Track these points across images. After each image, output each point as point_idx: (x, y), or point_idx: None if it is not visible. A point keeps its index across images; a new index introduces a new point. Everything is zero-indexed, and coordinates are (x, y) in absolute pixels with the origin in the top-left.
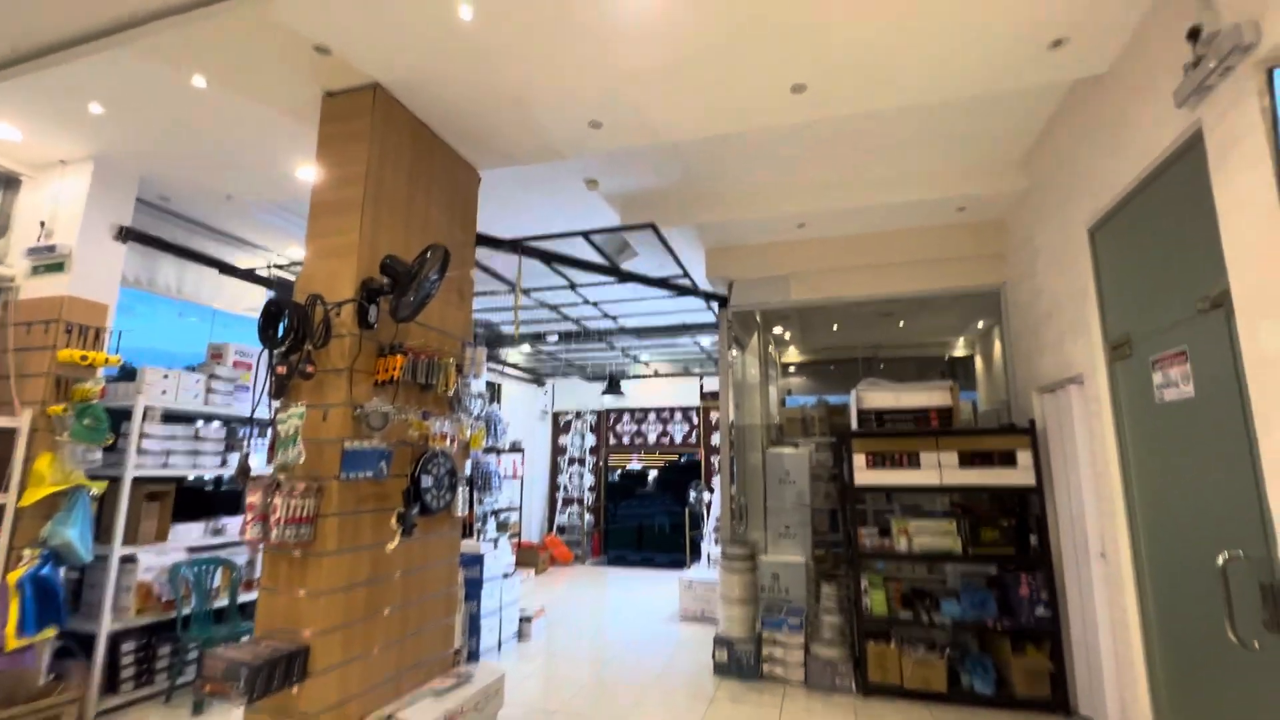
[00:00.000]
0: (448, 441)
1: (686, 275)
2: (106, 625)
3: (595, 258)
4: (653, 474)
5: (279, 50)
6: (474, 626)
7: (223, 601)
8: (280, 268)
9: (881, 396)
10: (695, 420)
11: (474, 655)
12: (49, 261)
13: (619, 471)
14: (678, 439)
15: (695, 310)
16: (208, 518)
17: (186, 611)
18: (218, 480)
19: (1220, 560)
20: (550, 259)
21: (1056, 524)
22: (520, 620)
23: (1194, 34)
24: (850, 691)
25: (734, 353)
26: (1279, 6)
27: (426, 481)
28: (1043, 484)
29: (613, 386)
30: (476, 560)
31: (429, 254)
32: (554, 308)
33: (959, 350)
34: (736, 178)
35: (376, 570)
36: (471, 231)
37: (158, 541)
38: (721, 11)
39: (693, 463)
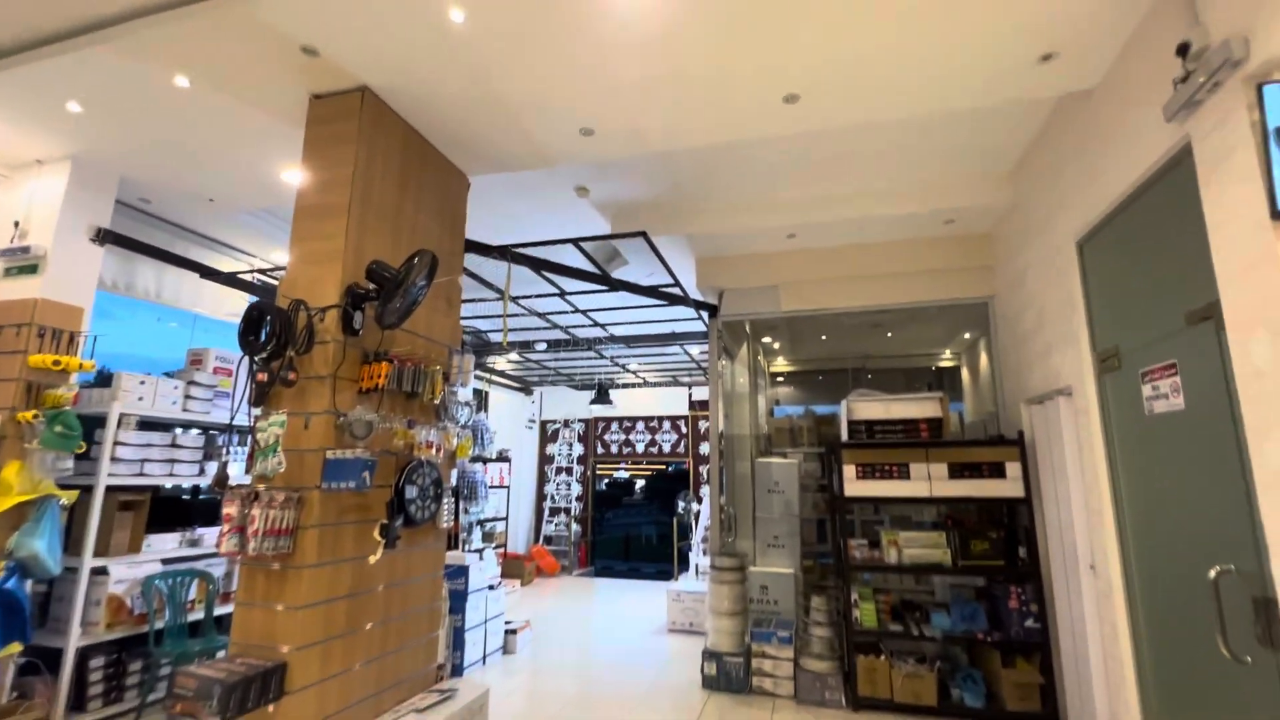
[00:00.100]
0: (433, 450)
1: (677, 284)
2: (74, 640)
3: (586, 265)
4: (640, 483)
5: (265, 51)
6: (458, 640)
7: (198, 615)
8: (264, 273)
9: (872, 407)
10: (684, 429)
11: (458, 670)
12: (22, 263)
13: (606, 481)
14: (666, 448)
15: (684, 319)
16: (184, 528)
17: (160, 625)
18: (195, 489)
19: (1212, 574)
20: (540, 266)
21: (1045, 536)
22: (505, 633)
23: (1183, 49)
24: (840, 705)
25: (723, 362)
26: (1268, 23)
27: (411, 492)
28: (1031, 496)
29: (601, 395)
30: (461, 572)
31: (416, 259)
32: (543, 315)
33: (946, 361)
34: (727, 187)
35: (358, 584)
36: (460, 238)
37: (131, 553)
38: (714, 21)
39: (681, 472)
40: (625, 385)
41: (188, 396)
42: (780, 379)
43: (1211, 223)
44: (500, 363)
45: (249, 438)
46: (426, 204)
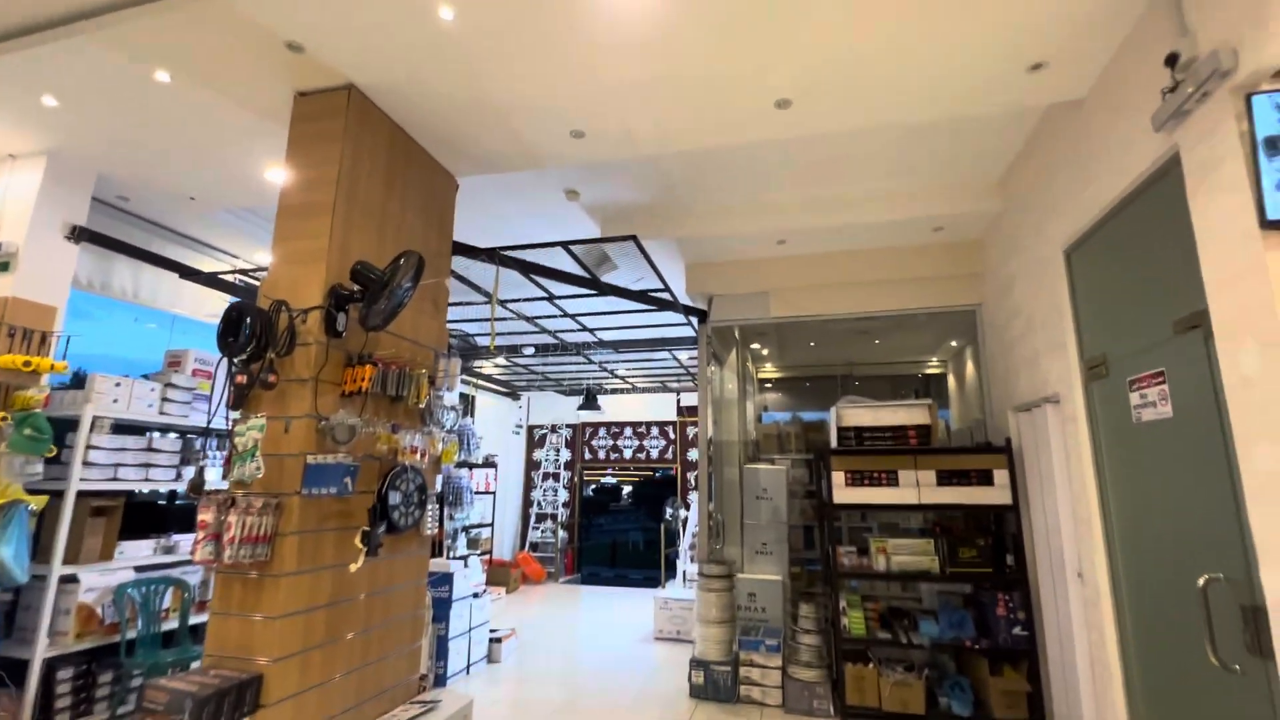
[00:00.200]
0: (418, 456)
1: (667, 289)
2: (41, 651)
3: (575, 269)
4: (628, 490)
5: (248, 47)
6: (442, 649)
7: (172, 624)
8: (245, 273)
9: (861, 414)
10: (672, 435)
11: (441, 680)
12: None
13: (594, 487)
14: (654, 454)
15: (674, 325)
16: (159, 534)
17: (132, 635)
18: (172, 495)
19: (1200, 582)
20: (528, 269)
21: (1033, 543)
22: (490, 642)
23: (1172, 60)
24: (828, 714)
25: (712, 368)
26: (1256, 34)
27: (394, 498)
28: (1019, 503)
29: (589, 401)
30: (445, 579)
31: (402, 261)
32: (531, 319)
33: (932, 368)
34: (718, 192)
35: (338, 592)
36: (448, 239)
37: (103, 560)
38: (706, 24)
39: (669, 478)
40: (613, 390)
41: (165, 399)
42: (769, 385)
43: (1200, 232)
44: (487, 367)
45: (227, 442)
46: (413, 204)
